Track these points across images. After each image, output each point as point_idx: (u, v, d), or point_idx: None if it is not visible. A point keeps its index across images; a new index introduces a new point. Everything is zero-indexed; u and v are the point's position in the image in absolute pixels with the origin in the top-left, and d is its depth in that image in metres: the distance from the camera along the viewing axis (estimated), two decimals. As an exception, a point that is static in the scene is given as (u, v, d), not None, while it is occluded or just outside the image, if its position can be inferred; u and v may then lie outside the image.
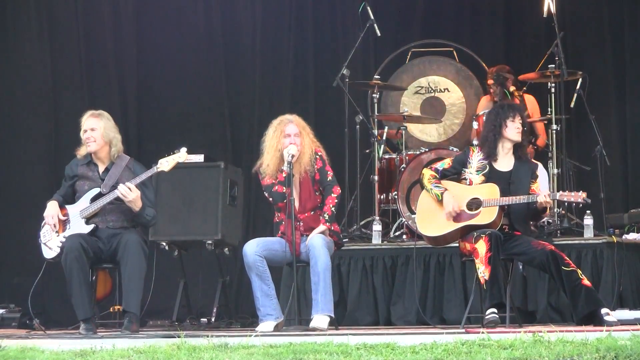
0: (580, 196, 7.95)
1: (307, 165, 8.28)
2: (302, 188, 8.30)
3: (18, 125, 11.45)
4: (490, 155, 8.13)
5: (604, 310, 7.74)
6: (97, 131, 8.40)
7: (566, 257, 7.93)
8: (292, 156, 8.17)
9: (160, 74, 11.51)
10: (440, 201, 8.08)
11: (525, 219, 8.09)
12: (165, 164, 8.38)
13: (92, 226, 8.27)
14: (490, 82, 10.31)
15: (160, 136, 11.24)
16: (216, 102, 11.50)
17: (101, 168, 8.44)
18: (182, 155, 8.42)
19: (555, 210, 9.62)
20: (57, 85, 11.49)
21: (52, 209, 8.36)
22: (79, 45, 11.49)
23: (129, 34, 11.53)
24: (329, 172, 8.33)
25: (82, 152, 8.50)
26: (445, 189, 8.09)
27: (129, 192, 8.17)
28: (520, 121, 8.10)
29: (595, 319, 7.70)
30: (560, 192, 8.18)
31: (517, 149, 8.15)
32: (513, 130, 8.08)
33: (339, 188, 8.37)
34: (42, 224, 8.38)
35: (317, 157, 8.32)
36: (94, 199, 8.31)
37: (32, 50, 11.51)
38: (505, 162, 8.15)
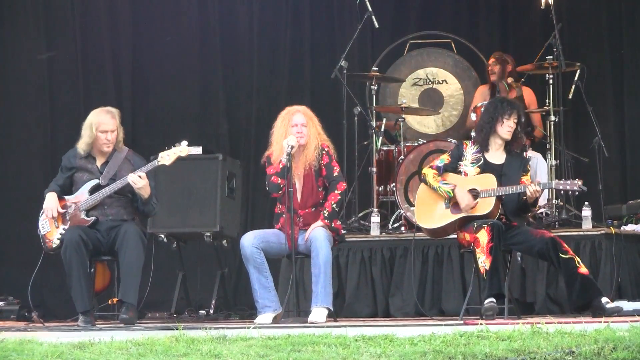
0: (575, 184, 7.97)
1: (312, 159, 8.18)
2: (304, 183, 8.21)
3: (15, 120, 11.43)
4: (483, 146, 8.16)
5: (604, 299, 7.77)
6: (115, 132, 8.30)
7: (565, 245, 7.95)
8: (291, 147, 8.08)
9: (157, 68, 11.48)
10: (452, 198, 8.07)
11: (517, 211, 8.10)
12: (166, 157, 8.34)
13: (92, 218, 8.26)
14: (491, 60, 10.30)
15: (156, 130, 11.21)
16: (213, 95, 11.47)
17: (99, 161, 8.40)
18: (183, 149, 8.38)
19: (553, 202, 9.63)
20: (53, 80, 11.47)
21: (51, 201, 8.31)
22: (74, 40, 11.46)
23: (125, 29, 11.50)
24: (335, 168, 8.21)
25: (83, 146, 8.37)
26: (455, 185, 8.08)
27: (139, 180, 8.14)
28: (515, 120, 8.11)
29: (591, 307, 7.74)
30: (556, 180, 8.18)
31: (508, 143, 8.17)
32: (505, 128, 8.10)
33: (344, 185, 8.26)
34: (41, 214, 8.36)
35: (324, 152, 8.22)
36: (93, 191, 8.29)
37: (28, 46, 11.48)
38: (497, 155, 8.18)
